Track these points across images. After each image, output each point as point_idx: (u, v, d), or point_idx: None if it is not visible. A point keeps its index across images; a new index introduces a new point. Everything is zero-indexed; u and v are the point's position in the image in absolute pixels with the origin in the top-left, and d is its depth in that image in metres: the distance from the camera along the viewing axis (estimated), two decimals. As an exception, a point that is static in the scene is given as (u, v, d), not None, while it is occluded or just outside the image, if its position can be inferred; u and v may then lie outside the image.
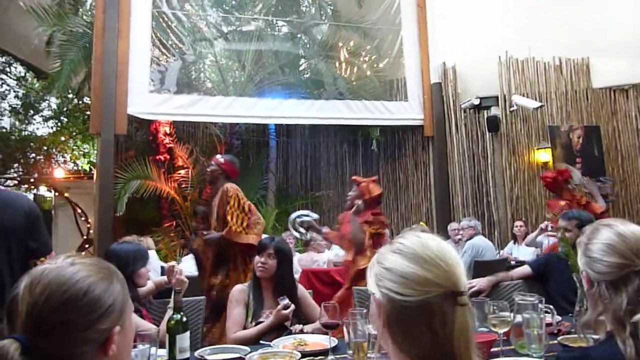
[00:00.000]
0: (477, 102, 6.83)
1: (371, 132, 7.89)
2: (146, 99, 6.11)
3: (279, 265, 2.52)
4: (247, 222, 3.66)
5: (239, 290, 2.56)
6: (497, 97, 6.90)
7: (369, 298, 0.98)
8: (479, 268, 4.55)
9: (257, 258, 2.53)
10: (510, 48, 6.80)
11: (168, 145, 7.39)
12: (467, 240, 5.31)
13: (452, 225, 6.13)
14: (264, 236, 3.41)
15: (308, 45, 8.41)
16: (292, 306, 2.35)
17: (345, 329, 1.85)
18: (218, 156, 3.98)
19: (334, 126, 8.01)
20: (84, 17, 7.55)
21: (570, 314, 2.25)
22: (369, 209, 3.94)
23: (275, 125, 8.34)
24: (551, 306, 2.14)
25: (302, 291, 2.62)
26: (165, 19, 6.69)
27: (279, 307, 2.34)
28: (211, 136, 7.97)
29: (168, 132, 7.43)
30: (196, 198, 7.32)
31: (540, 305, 1.87)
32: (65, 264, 0.88)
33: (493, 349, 1.84)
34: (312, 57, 8.21)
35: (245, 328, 2.41)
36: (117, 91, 5.81)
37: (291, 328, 2.35)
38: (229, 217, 3.63)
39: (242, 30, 7.82)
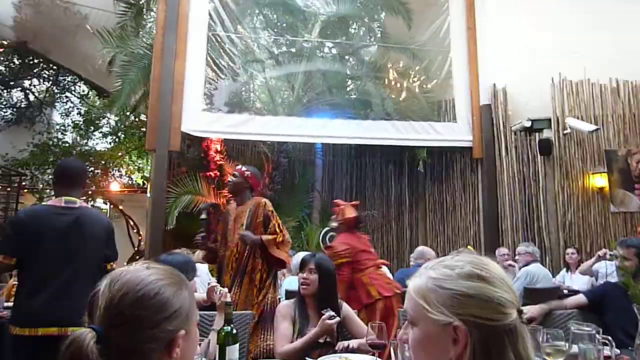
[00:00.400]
0: (528, 124, 6.68)
1: (418, 152, 7.83)
2: (199, 118, 6.34)
3: (320, 280, 2.53)
4: (283, 239, 3.64)
5: (285, 306, 2.59)
6: (549, 120, 6.72)
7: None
8: (530, 295, 4.40)
9: (299, 275, 2.57)
10: (563, 69, 6.64)
11: (218, 162, 7.59)
12: (523, 266, 5.10)
13: (501, 250, 5.95)
14: (306, 253, 3.41)
15: (356, 66, 8.50)
16: (337, 318, 2.35)
17: (392, 350, 1.84)
18: (243, 167, 3.92)
19: (380, 146, 8.00)
20: (144, 39, 7.96)
21: (629, 348, 2.14)
22: (345, 232, 3.96)
23: (322, 144, 8.42)
24: (609, 337, 2.05)
25: (347, 309, 2.63)
26: (220, 40, 6.96)
27: (324, 316, 2.34)
28: (259, 154, 8.14)
29: (219, 149, 7.64)
30: (243, 214, 7.45)
31: (597, 336, 1.79)
32: (142, 268, 0.97)
33: (546, 380, 1.78)
34: (360, 77, 8.29)
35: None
36: (173, 109, 6.07)
37: (336, 347, 2.35)
38: (277, 229, 3.64)
39: (292, 52, 8.02)
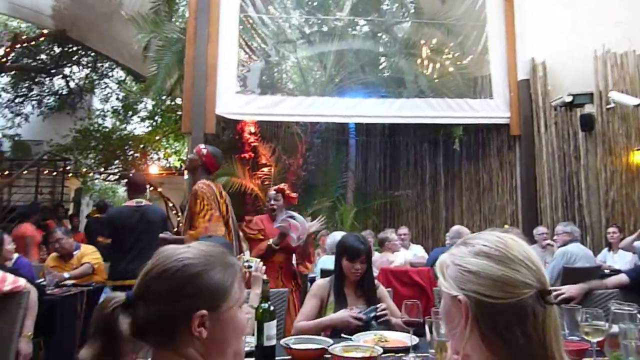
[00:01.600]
0: (569, 99, 6.44)
1: (453, 130, 7.70)
2: (233, 100, 6.41)
3: (367, 268, 2.57)
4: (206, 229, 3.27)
5: (320, 286, 2.62)
6: (591, 94, 6.45)
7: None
8: (569, 275, 4.31)
9: (349, 263, 2.52)
10: (607, 41, 6.33)
11: (252, 144, 7.68)
12: (561, 246, 4.99)
13: (540, 229, 5.82)
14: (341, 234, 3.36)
15: (389, 44, 8.36)
16: (360, 323, 2.32)
17: (427, 328, 1.86)
18: (201, 146, 3.70)
19: (415, 125, 7.91)
20: (177, 23, 8.06)
21: (673, 328, 2.09)
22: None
23: (355, 124, 8.39)
24: (652, 317, 2.00)
25: (383, 290, 2.65)
26: (251, 22, 6.98)
27: (352, 312, 2.35)
28: (293, 135, 8.18)
29: (253, 131, 7.72)
30: (278, 195, 7.54)
31: (639, 315, 1.76)
32: (184, 246, 1.00)
33: (585, 359, 1.77)
34: (393, 55, 8.15)
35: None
36: (207, 92, 6.16)
37: (378, 306, 2.37)
38: (198, 219, 3.31)
39: (324, 31, 7.96)
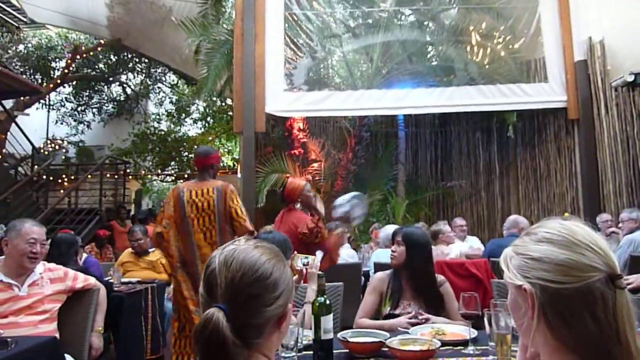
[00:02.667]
0: (630, 78, 6.08)
1: (507, 117, 7.45)
2: (281, 98, 6.50)
3: (408, 252, 2.53)
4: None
5: (379, 279, 2.63)
6: (656, 72, 6.07)
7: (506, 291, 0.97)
8: (636, 264, 4.09)
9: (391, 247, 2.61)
10: (672, 14, 5.93)
11: (302, 140, 7.75)
12: (627, 233, 4.72)
13: (603, 217, 5.52)
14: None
15: (436, 32, 8.19)
16: (410, 327, 2.27)
17: (486, 321, 1.83)
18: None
19: (466, 114, 7.73)
20: (225, 25, 8.24)
21: None
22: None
23: (404, 115, 8.29)
24: None
25: (447, 289, 2.55)
26: (296, 19, 7.03)
27: (408, 316, 2.34)
28: (341, 130, 8.19)
29: (301, 127, 7.80)
30: (329, 190, 7.60)
31: None
32: (250, 247, 1.03)
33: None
34: (440, 43, 7.99)
35: (378, 314, 2.50)
36: (256, 92, 6.27)
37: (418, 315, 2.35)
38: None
39: (369, 23, 7.90)
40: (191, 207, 3.43)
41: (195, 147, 12.37)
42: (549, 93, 6.61)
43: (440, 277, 2.59)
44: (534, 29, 6.86)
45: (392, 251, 2.56)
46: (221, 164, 3.47)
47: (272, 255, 1.04)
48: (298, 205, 3.92)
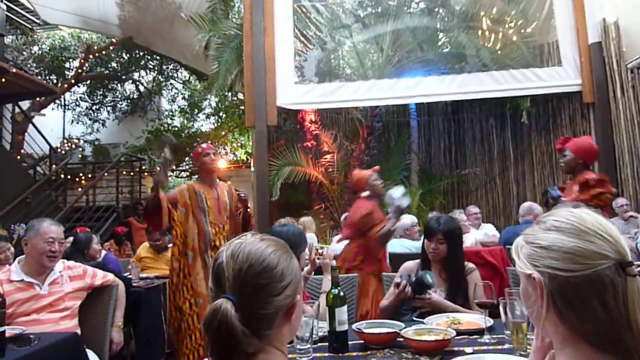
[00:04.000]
0: (647, 59, 5.95)
1: (520, 103, 7.35)
2: (292, 90, 6.49)
3: (449, 248, 2.50)
4: None
5: (406, 267, 2.64)
6: (674, 51, 5.93)
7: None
8: (657, 247, 4.03)
9: (427, 243, 2.55)
10: (691, -9, 5.77)
11: (314, 132, 7.76)
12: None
13: (619, 201, 5.43)
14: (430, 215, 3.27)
15: (447, 18, 8.08)
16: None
17: (502, 309, 1.83)
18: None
19: (479, 100, 7.63)
20: (234, 20, 8.25)
21: None
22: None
23: (416, 104, 8.23)
24: None
25: (475, 275, 2.52)
26: (305, 11, 7.00)
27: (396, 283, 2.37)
28: (353, 120, 8.17)
29: (313, 119, 7.80)
30: (342, 181, 7.60)
31: None
32: (256, 240, 1.06)
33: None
34: (451, 30, 7.88)
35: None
36: (267, 85, 6.28)
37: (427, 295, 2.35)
38: None
39: (378, 12, 7.83)
40: (210, 202, 3.55)
41: (210, 142, 12.46)
42: (563, 77, 6.50)
43: (469, 265, 2.56)
44: (546, 12, 6.73)
45: (434, 249, 2.51)
46: (208, 158, 3.42)
47: (277, 247, 1.06)
48: (365, 194, 3.96)
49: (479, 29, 7.43)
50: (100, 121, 14.28)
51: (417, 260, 2.65)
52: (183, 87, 14.57)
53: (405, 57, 7.57)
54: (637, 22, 6.15)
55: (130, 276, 4.18)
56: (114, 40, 12.27)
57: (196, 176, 13.64)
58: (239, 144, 13.45)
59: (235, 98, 11.49)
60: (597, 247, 0.83)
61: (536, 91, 6.70)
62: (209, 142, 12.38)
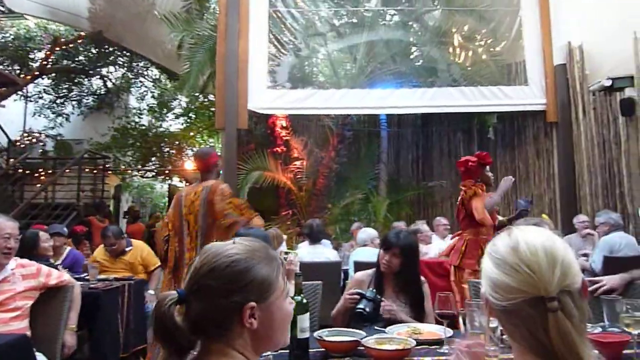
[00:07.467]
0: (608, 83, 6.20)
1: (487, 119, 7.55)
2: (264, 95, 6.47)
3: (402, 262, 2.51)
4: None
5: (357, 279, 2.64)
6: (632, 77, 6.17)
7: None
8: (611, 265, 4.18)
9: (382, 254, 2.55)
10: (647, 22, 6.05)
11: (284, 138, 7.75)
12: (603, 235, 4.82)
13: (580, 217, 5.62)
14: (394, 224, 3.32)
15: (420, 33, 8.25)
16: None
17: (461, 320, 1.85)
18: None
19: (448, 114, 7.79)
20: (209, 20, 8.17)
21: None
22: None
23: (387, 115, 8.33)
24: (697, 309, 1.93)
25: (426, 290, 2.57)
26: (281, 16, 7.01)
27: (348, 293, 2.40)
28: (324, 128, 8.20)
29: (284, 125, 7.78)
30: (311, 188, 7.60)
31: (682, 306, 1.70)
32: (229, 242, 1.05)
33: (626, 351, 1.72)
34: (424, 44, 8.05)
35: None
36: (239, 88, 6.24)
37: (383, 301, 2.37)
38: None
39: (353, 23, 7.91)
40: (186, 209, 3.33)
41: (177, 142, 12.28)
42: (529, 96, 6.71)
43: (420, 280, 2.61)
44: (515, 32, 6.96)
45: (387, 261, 2.51)
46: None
47: (245, 250, 1.03)
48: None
49: (451, 45, 7.60)
50: (64, 115, 13.83)
51: (370, 271, 2.66)
52: (153, 86, 14.28)
53: (378, 68, 7.67)
54: (600, 47, 6.42)
55: (87, 277, 4.05)
56: (82, 33, 11.94)
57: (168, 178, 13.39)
58: (207, 146, 13.27)
59: (206, 99, 11.36)
60: (515, 282, 0.86)
61: (503, 108, 6.89)
62: (177, 142, 12.21)
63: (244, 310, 0.97)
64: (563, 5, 6.56)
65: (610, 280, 2.59)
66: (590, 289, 2.32)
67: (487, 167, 4.15)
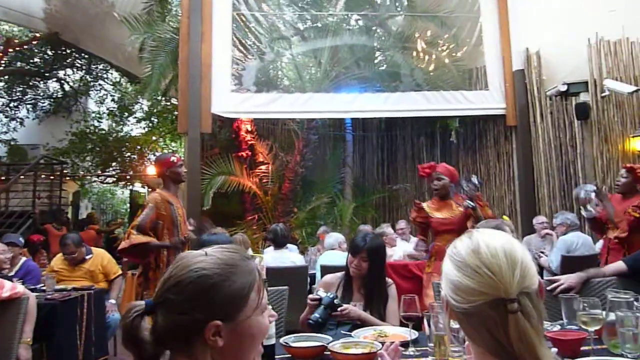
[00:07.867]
0: (564, 88, 6.45)
1: (450, 123, 7.71)
2: (228, 99, 6.40)
3: (370, 266, 2.54)
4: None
5: (326, 282, 2.66)
6: (586, 83, 6.46)
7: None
8: (568, 264, 4.32)
9: (351, 258, 2.57)
10: (600, 29, 6.32)
11: (249, 142, 7.68)
12: (561, 235, 5.00)
13: (539, 219, 5.81)
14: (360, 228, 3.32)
15: (383, 38, 8.35)
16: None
17: (425, 322, 1.87)
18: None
19: (411, 118, 7.90)
20: (171, 23, 8.03)
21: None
22: None
23: (352, 119, 8.38)
24: (649, 304, 2.01)
25: (392, 292, 2.59)
26: (244, 20, 6.95)
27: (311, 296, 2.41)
28: (289, 132, 8.18)
29: (249, 129, 7.72)
30: (276, 192, 7.56)
31: (635, 303, 1.76)
32: (201, 253, 0.99)
33: (583, 348, 1.77)
34: (388, 49, 8.15)
35: None
36: (202, 92, 6.15)
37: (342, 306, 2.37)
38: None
39: (318, 27, 7.94)
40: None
41: (138, 147, 11.99)
42: (489, 100, 6.89)
43: (388, 280, 2.63)
44: (476, 38, 7.14)
45: (356, 266, 2.53)
46: (182, 169, 3.35)
47: (216, 265, 0.96)
48: None
49: (414, 50, 7.72)
50: (18, 119, 13.32)
51: (338, 274, 2.68)
52: (113, 89, 13.93)
53: (342, 73, 7.71)
54: (556, 53, 6.67)
55: (44, 287, 3.88)
56: (37, 34, 11.53)
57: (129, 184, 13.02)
58: (170, 150, 13.02)
59: (168, 103, 11.15)
60: (477, 285, 0.87)
61: (464, 112, 7.06)
62: (138, 147, 11.92)
63: (206, 329, 0.91)
64: (521, 12, 6.78)
65: (567, 279, 2.66)
66: (548, 288, 2.38)
67: None
